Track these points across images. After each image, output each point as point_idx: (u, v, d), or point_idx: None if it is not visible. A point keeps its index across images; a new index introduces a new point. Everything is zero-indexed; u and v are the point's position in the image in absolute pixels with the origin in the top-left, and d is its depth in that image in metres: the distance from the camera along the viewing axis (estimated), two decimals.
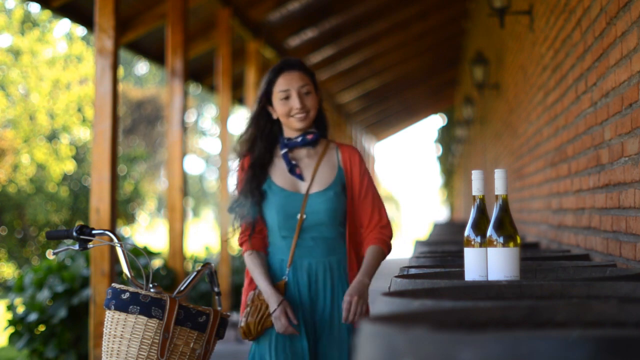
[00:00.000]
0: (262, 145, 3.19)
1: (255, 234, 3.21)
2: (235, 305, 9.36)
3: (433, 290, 1.89)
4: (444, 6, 13.03)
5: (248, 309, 3.11)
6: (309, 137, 3.20)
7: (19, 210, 15.63)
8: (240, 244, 3.23)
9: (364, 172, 3.22)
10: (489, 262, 2.30)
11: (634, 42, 2.69)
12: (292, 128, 3.17)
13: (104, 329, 2.86)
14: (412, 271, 2.62)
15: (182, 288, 2.95)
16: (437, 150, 22.86)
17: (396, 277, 2.27)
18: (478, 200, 2.38)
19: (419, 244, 4.98)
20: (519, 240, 2.29)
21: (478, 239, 2.33)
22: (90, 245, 3.01)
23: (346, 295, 3.05)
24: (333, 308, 3.13)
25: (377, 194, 3.27)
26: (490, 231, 2.32)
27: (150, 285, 2.90)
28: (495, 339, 1.10)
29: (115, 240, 3.02)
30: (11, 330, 6.42)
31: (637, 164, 2.68)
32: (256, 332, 3.09)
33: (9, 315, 6.48)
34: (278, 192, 3.16)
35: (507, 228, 2.30)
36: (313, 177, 3.18)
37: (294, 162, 3.19)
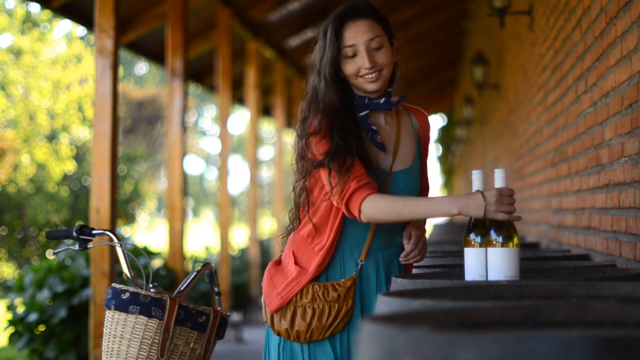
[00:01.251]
0: (338, 104, 2.56)
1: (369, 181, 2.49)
2: (236, 305, 9.36)
3: (433, 290, 1.89)
4: (444, 6, 13.03)
5: (304, 308, 2.54)
6: (394, 99, 2.62)
7: (19, 210, 15.63)
8: (351, 195, 2.46)
9: (429, 143, 2.76)
10: (488, 262, 2.31)
11: (634, 42, 2.69)
12: (362, 90, 2.59)
13: (104, 329, 2.86)
14: (412, 271, 2.62)
15: (182, 288, 2.95)
16: (437, 150, 22.86)
17: (396, 277, 2.27)
18: None
19: None
20: (517, 240, 2.30)
21: (478, 239, 2.33)
22: (90, 245, 3.02)
23: (415, 229, 2.56)
24: None
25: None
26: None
27: (150, 285, 2.90)
28: (495, 339, 1.10)
29: (115, 240, 3.02)
30: (11, 330, 6.42)
31: (637, 164, 2.68)
32: (321, 337, 2.53)
33: (9, 315, 6.48)
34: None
35: (506, 228, 2.31)
36: (396, 150, 2.61)
37: (374, 127, 2.59)
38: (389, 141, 2.62)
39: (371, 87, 2.56)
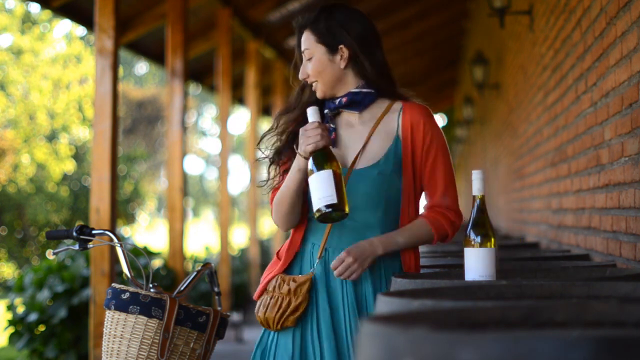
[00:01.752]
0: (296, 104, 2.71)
1: None
2: (236, 305, 9.36)
3: (433, 290, 1.89)
4: (444, 6, 13.02)
5: (267, 298, 2.64)
6: (344, 100, 2.61)
7: (19, 210, 15.63)
8: (272, 192, 2.65)
9: (430, 139, 2.57)
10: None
11: (634, 42, 2.69)
12: None
13: (104, 329, 2.86)
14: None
15: (182, 288, 2.95)
16: None
17: (396, 277, 2.27)
18: (478, 200, 2.38)
19: None
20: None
21: (478, 239, 2.34)
22: (90, 245, 3.01)
23: (345, 250, 2.52)
24: (358, 314, 2.54)
25: (448, 167, 2.59)
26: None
27: (150, 285, 2.90)
28: (495, 339, 1.10)
29: (115, 240, 3.02)
30: (11, 330, 6.42)
31: (637, 164, 2.68)
32: (276, 328, 2.61)
33: (9, 315, 6.48)
34: None
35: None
36: (363, 148, 2.58)
37: (332, 126, 2.62)
38: (357, 139, 2.60)
39: (317, 94, 2.63)
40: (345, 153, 2.60)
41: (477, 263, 2.32)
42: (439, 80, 19.28)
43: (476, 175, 2.39)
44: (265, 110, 14.24)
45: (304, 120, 2.57)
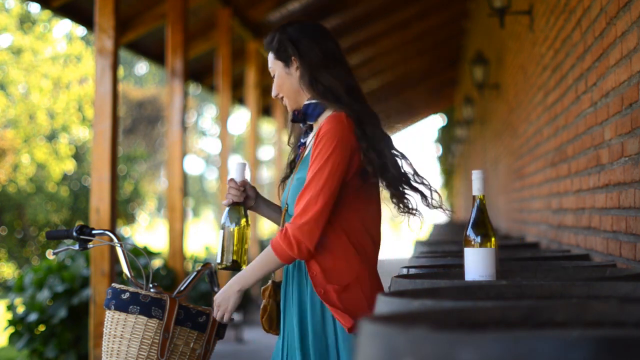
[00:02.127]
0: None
1: None
2: None
3: (433, 290, 1.89)
4: (444, 6, 13.02)
5: (262, 303, 2.84)
6: (296, 113, 2.73)
7: (19, 210, 15.63)
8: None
9: (318, 144, 2.56)
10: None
11: (634, 42, 2.69)
12: None
13: (104, 329, 2.86)
14: (412, 271, 2.62)
15: (182, 288, 2.95)
16: (437, 150, 22.86)
17: (396, 277, 2.28)
18: (478, 200, 2.38)
19: (419, 244, 4.98)
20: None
21: (478, 239, 2.34)
22: (90, 245, 3.01)
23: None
24: (300, 323, 2.63)
25: (321, 173, 2.53)
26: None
27: (150, 285, 2.90)
28: (495, 339, 1.10)
29: (115, 240, 3.02)
30: (11, 330, 6.42)
31: (637, 164, 2.68)
32: (267, 331, 2.81)
33: (9, 315, 6.48)
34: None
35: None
36: (301, 159, 2.72)
37: (302, 140, 2.75)
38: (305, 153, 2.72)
39: (288, 109, 2.76)
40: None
41: (477, 263, 2.32)
42: (439, 80, 19.28)
43: (476, 175, 2.39)
44: (265, 110, 14.24)
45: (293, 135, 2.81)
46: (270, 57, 2.73)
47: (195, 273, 3.00)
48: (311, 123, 2.72)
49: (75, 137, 17.31)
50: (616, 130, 2.95)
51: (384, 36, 13.82)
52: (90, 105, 16.19)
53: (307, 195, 2.53)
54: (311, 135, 2.72)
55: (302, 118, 2.71)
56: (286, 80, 2.70)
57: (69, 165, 16.42)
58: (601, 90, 3.20)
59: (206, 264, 3.04)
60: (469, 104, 11.37)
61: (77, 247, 2.98)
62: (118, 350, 2.81)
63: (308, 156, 2.65)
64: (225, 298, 2.70)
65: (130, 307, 2.80)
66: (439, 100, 21.91)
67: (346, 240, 2.58)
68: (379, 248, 2.69)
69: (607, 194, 3.14)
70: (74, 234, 2.97)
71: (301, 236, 2.52)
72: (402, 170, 2.66)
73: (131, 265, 3.00)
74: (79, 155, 17.19)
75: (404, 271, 2.63)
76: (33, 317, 6.24)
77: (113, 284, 2.87)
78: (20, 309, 6.39)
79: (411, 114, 25.21)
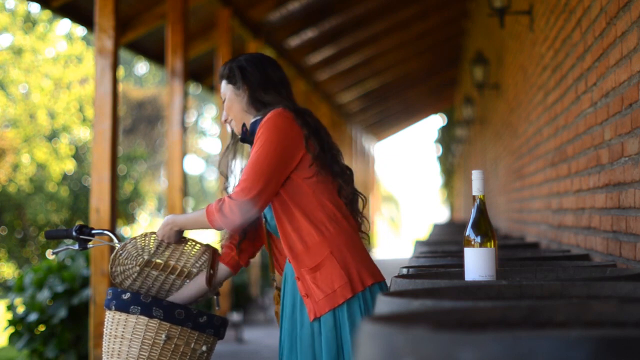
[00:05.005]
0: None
1: None
2: (236, 305, 9.36)
3: (433, 290, 1.89)
4: (444, 6, 13.03)
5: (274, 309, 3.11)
6: (243, 132, 3.02)
7: (19, 210, 15.63)
8: None
9: (258, 136, 2.83)
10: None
11: (634, 42, 2.69)
12: None
13: (104, 330, 2.86)
14: (412, 271, 2.62)
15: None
16: (437, 150, 22.86)
17: (396, 277, 2.27)
18: (478, 200, 2.38)
19: (419, 244, 4.98)
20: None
21: (478, 239, 2.34)
22: (90, 245, 3.01)
23: None
24: (292, 314, 2.88)
25: (259, 156, 2.79)
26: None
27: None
28: (495, 339, 1.10)
29: (115, 240, 3.02)
30: (11, 330, 6.42)
31: (637, 164, 2.68)
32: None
33: (9, 315, 6.48)
34: None
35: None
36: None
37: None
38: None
39: (235, 131, 3.05)
40: None
41: (477, 263, 2.32)
42: (439, 80, 19.29)
43: (476, 175, 2.39)
44: None
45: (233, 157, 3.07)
46: (223, 83, 3.00)
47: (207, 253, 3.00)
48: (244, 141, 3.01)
49: (76, 137, 17.31)
50: (616, 130, 2.95)
51: (384, 36, 13.82)
52: (91, 105, 16.19)
53: (251, 175, 2.77)
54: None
55: (250, 137, 2.95)
56: (235, 102, 2.97)
57: (69, 165, 16.42)
58: (601, 90, 3.20)
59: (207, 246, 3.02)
60: (469, 104, 11.37)
61: (76, 246, 2.98)
62: (119, 351, 2.82)
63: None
64: (164, 233, 2.92)
65: (131, 307, 2.80)
66: (439, 100, 21.91)
67: (307, 223, 2.79)
68: (350, 220, 2.86)
69: (607, 194, 3.14)
70: (74, 233, 2.96)
71: (238, 212, 2.76)
72: (342, 163, 2.94)
73: None
74: (79, 155, 17.19)
75: (404, 271, 2.63)
76: (33, 317, 6.24)
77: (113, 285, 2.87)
78: (20, 309, 6.39)
79: (411, 114, 25.22)
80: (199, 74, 11.50)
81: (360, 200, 2.94)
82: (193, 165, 39.13)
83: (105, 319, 2.86)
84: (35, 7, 18.49)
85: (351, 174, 2.94)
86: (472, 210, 2.39)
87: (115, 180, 5.43)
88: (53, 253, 3.00)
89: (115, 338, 2.83)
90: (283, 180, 2.79)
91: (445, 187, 24.41)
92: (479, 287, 1.90)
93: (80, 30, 19.62)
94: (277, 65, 3.04)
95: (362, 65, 15.49)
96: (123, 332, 2.81)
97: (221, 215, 2.75)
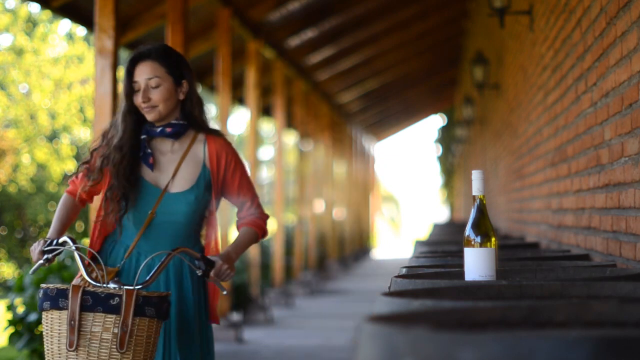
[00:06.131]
0: (127, 132, 3.10)
1: (85, 192, 3.19)
2: (236, 305, 9.36)
3: (433, 290, 1.89)
4: (444, 6, 13.03)
5: None
6: (168, 130, 3.10)
7: (19, 210, 15.64)
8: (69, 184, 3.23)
9: (234, 165, 3.16)
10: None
11: (634, 42, 2.69)
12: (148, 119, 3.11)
13: (44, 331, 2.85)
14: (412, 271, 2.62)
15: (147, 278, 2.95)
16: (437, 150, 22.86)
17: (396, 277, 2.27)
18: (478, 200, 2.38)
19: (419, 244, 4.98)
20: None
21: (478, 239, 2.34)
22: (50, 255, 3.01)
23: (217, 259, 3.04)
24: (182, 307, 3.08)
25: (251, 184, 3.24)
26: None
27: (112, 282, 2.90)
28: (495, 339, 1.10)
29: (71, 243, 3.02)
30: (11, 330, 6.41)
31: (637, 164, 2.68)
32: None
33: (9, 315, 6.48)
34: (141, 182, 3.09)
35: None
36: (174, 174, 3.10)
37: (149, 150, 3.10)
38: (169, 164, 3.11)
39: (148, 117, 3.07)
40: (160, 176, 3.10)
41: (477, 263, 2.32)
42: (439, 80, 19.29)
43: (476, 175, 2.39)
44: (265, 110, 14.25)
45: (130, 148, 3.06)
46: (160, 69, 3.05)
47: (160, 262, 2.99)
48: (172, 139, 3.11)
49: (77, 137, 17.31)
50: (616, 130, 2.95)
51: (384, 36, 13.82)
52: (91, 105, 16.18)
53: (256, 199, 3.23)
54: (176, 145, 3.12)
55: (171, 134, 3.09)
56: (172, 97, 3.08)
57: (70, 166, 16.42)
58: (601, 90, 3.20)
59: (176, 249, 3.02)
60: (469, 104, 11.38)
61: (42, 261, 2.99)
62: (51, 350, 2.83)
63: (204, 174, 3.11)
64: (231, 265, 3.06)
65: (44, 303, 2.83)
66: (439, 100, 21.91)
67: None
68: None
69: (607, 194, 3.14)
70: (43, 257, 2.99)
71: (266, 227, 3.26)
72: None
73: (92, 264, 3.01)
74: (80, 155, 17.18)
75: (404, 271, 2.63)
76: (33, 317, 6.24)
77: (41, 285, 2.87)
78: (20, 309, 6.38)
79: (411, 114, 25.22)
80: (199, 74, 11.50)
81: None
82: None
83: (43, 322, 2.86)
84: (35, 7, 18.49)
85: None
86: (472, 210, 2.39)
87: None
88: (31, 273, 3.02)
89: (46, 337, 2.84)
90: None
91: (445, 187, 24.41)
92: (479, 287, 1.90)
93: (81, 31, 19.62)
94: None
95: (362, 65, 15.49)
96: (49, 330, 2.83)
97: (263, 233, 3.23)
